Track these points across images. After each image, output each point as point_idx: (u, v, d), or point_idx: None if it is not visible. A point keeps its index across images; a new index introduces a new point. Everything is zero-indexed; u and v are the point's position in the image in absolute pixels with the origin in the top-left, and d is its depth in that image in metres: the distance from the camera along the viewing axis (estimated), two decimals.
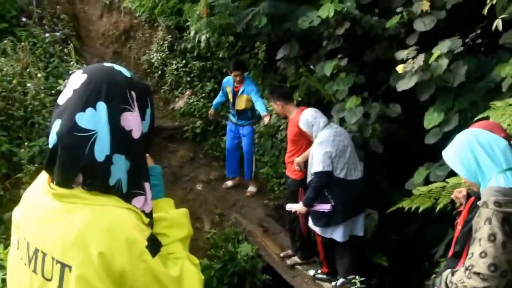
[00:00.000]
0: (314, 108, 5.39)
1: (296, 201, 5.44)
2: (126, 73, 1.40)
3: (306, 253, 5.89)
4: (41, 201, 1.36)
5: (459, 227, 2.84)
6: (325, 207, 5.00)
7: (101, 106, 1.30)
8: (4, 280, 1.97)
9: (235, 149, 7.40)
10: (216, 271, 5.78)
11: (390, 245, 6.59)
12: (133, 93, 1.37)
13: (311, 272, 5.63)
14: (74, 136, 1.27)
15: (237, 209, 7.35)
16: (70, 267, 1.24)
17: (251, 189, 7.50)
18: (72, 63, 7.43)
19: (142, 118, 1.40)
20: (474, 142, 2.37)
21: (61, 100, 1.35)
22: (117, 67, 1.41)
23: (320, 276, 5.53)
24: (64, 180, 1.30)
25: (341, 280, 5.27)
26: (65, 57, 8.02)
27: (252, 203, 7.37)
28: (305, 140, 5.46)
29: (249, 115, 7.05)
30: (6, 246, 1.97)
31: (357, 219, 5.21)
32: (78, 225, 1.26)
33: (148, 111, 1.44)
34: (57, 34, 8.99)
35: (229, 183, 7.72)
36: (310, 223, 5.31)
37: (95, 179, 1.29)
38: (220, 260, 5.98)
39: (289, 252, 6.04)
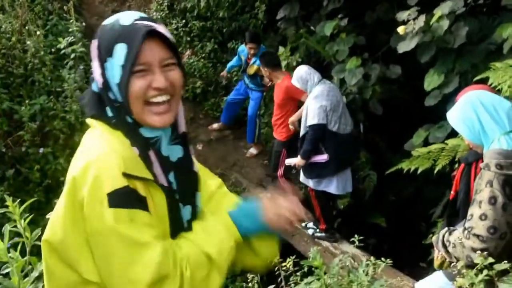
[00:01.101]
0: (306, 65, 5.55)
1: (278, 162, 5.91)
2: (106, 21, 1.38)
3: None
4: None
5: (452, 192, 2.90)
6: (322, 158, 5.19)
7: None
8: (11, 232, 2.04)
9: (233, 103, 7.62)
10: None
11: (389, 206, 6.67)
12: (94, 41, 1.36)
13: (310, 231, 5.75)
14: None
15: (237, 169, 7.41)
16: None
17: (252, 150, 7.56)
18: (71, 21, 7.35)
19: (103, 67, 1.35)
20: (478, 103, 2.37)
21: None
22: (113, 17, 1.39)
23: (319, 234, 5.67)
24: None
25: (320, 233, 5.66)
26: (64, 15, 7.93)
27: (252, 164, 7.44)
28: (292, 104, 5.80)
29: (259, 80, 7.03)
30: (14, 201, 2.03)
31: (347, 172, 5.40)
32: (80, 151, 1.35)
33: (111, 60, 1.32)
34: None
35: (216, 125, 8.03)
36: (302, 177, 5.47)
37: (92, 108, 1.39)
38: None
39: None
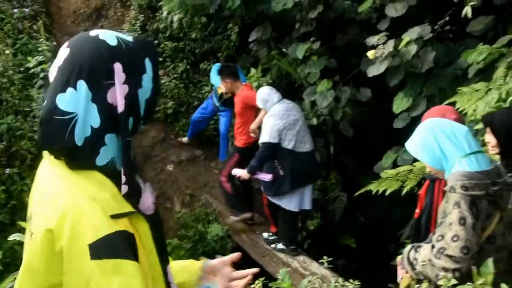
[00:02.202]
0: (269, 86, 5.88)
1: (227, 163, 6.23)
2: (112, 41, 1.27)
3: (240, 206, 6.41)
4: (42, 165, 1.33)
5: (417, 210, 2.95)
6: (266, 177, 5.38)
7: (82, 85, 1.21)
8: None
9: (199, 121, 7.70)
10: (186, 251, 5.82)
11: (358, 227, 6.72)
12: (117, 65, 1.24)
13: (265, 235, 6.04)
14: (55, 120, 1.20)
15: (208, 190, 7.39)
16: (31, 235, 1.23)
17: None
18: (41, 40, 7.29)
19: (138, 86, 1.28)
20: (438, 130, 2.43)
21: (50, 78, 1.27)
22: (102, 35, 1.28)
23: (272, 238, 5.93)
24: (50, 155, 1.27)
25: (281, 246, 5.75)
26: (34, 34, 7.86)
27: None
28: (250, 112, 6.08)
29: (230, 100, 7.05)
30: None
31: (305, 190, 5.51)
32: (48, 197, 1.22)
33: (146, 76, 1.30)
34: (26, 10, 8.77)
35: (185, 139, 8.08)
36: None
37: (77, 162, 1.23)
38: (190, 240, 6.03)
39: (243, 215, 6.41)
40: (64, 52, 1.26)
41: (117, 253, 1.15)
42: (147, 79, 1.30)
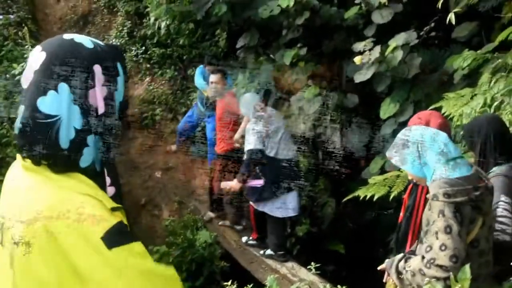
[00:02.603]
0: (251, 93, 5.93)
1: (214, 172, 6.40)
2: (89, 44, 1.29)
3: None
4: (15, 173, 1.31)
5: (401, 214, 2.97)
6: (258, 182, 5.39)
7: (63, 87, 1.22)
8: None
9: (185, 130, 7.69)
10: (175, 258, 5.79)
11: (347, 233, 6.73)
12: (97, 67, 1.27)
13: (244, 239, 6.08)
14: (37, 124, 1.20)
15: (196, 196, 7.36)
16: (17, 244, 1.18)
17: None
18: (27, 46, 7.26)
19: (114, 88, 1.31)
20: (418, 138, 2.44)
21: (24, 83, 1.26)
22: (78, 39, 1.29)
23: (251, 242, 5.99)
24: (30, 161, 1.25)
25: (269, 252, 5.72)
26: (20, 41, 7.82)
27: None
28: (230, 120, 6.09)
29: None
30: None
31: (287, 197, 5.49)
32: (36, 204, 1.19)
33: (120, 79, 1.33)
34: (11, 16, 8.73)
35: (173, 147, 8.04)
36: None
37: (61, 165, 1.24)
38: (178, 247, 5.99)
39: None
40: (39, 56, 1.26)
41: (127, 239, 1.20)
42: (120, 82, 1.34)
